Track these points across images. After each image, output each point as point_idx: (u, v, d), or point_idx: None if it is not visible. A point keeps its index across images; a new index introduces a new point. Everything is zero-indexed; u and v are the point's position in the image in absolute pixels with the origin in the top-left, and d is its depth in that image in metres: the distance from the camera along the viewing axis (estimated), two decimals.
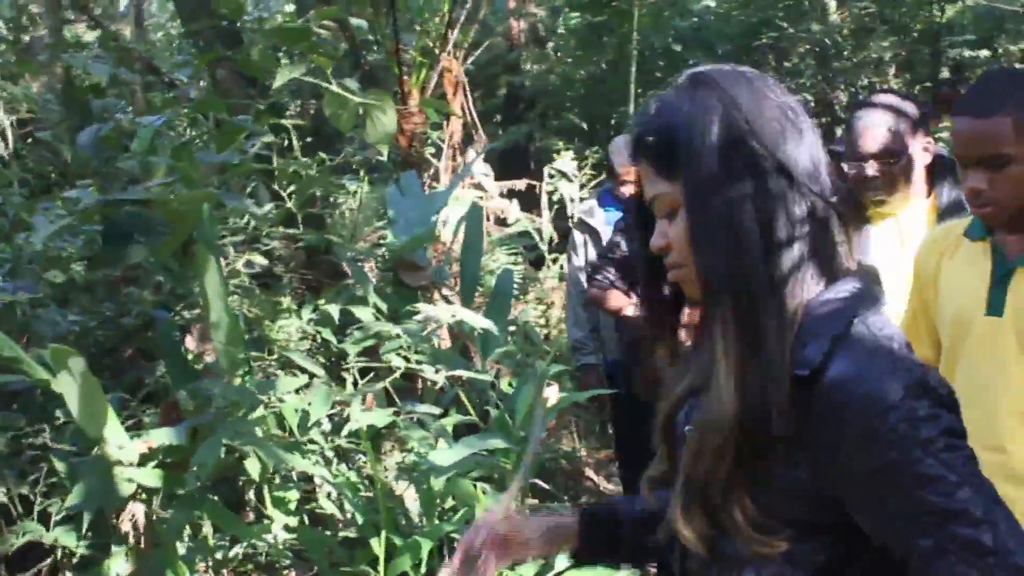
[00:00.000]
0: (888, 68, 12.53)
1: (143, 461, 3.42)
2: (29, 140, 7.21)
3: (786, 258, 1.41)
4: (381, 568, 3.46)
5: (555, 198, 9.56)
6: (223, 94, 5.91)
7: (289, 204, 4.88)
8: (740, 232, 1.39)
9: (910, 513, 1.31)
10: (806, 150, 1.45)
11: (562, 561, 3.15)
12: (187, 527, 3.83)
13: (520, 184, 9.36)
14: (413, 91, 6.28)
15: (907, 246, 3.10)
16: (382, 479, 3.87)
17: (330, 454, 4.12)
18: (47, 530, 3.69)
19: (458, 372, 3.86)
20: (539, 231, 9.18)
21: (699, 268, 1.43)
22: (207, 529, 3.96)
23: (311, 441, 3.82)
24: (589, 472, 6.90)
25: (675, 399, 1.57)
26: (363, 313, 4.10)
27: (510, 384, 4.31)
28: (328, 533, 4.02)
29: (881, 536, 1.37)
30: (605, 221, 5.32)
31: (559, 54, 13.99)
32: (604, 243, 5.06)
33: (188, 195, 3.30)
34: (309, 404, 3.68)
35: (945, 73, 11.93)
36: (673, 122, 1.45)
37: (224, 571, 3.98)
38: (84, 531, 3.59)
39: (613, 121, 12.25)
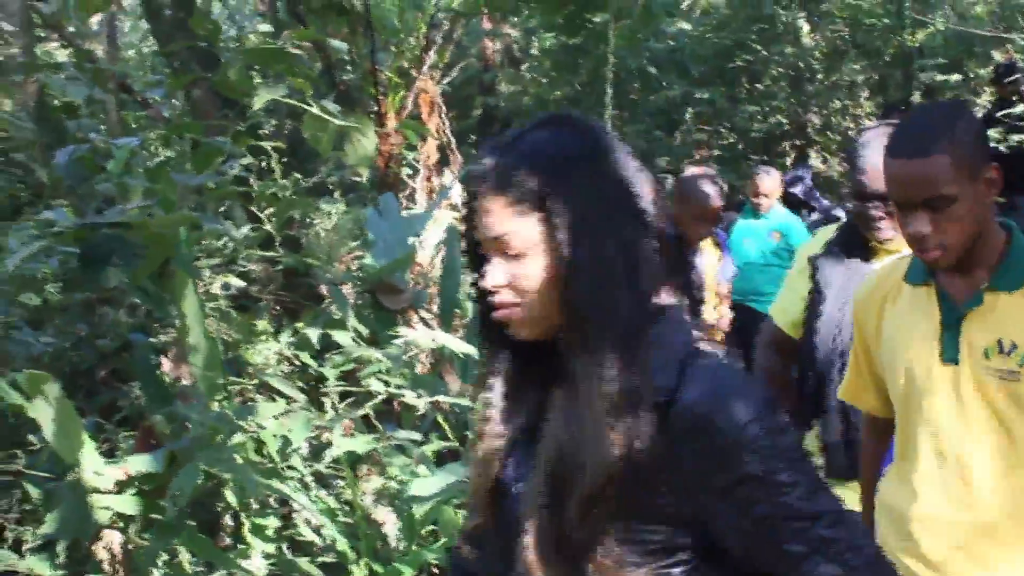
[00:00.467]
0: (860, 91, 12.61)
1: (120, 488, 3.37)
2: None
3: (643, 290, 1.46)
4: None
5: None
6: (199, 114, 5.87)
7: (268, 226, 4.84)
8: (611, 268, 1.42)
9: (776, 519, 1.39)
10: (647, 185, 1.50)
11: None
12: (163, 553, 3.76)
13: None
14: (390, 112, 6.27)
15: None
16: (362, 505, 3.83)
17: (309, 480, 4.07)
18: (20, 557, 3.62)
19: (439, 397, 3.82)
20: None
21: (572, 306, 1.42)
22: (183, 555, 3.90)
23: (290, 467, 3.77)
24: None
25: (498, 450, 1.55)
26: (342, 337, 4.06)
27: None
28: (307, 560, 3.96)
29: (748, 550, 1.43)
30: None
31: (534, 75, 14.01)
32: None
33: (167, 218, 3.26)
34: (289, 430, 3.63)
35: (917, 97, 12.02)
36: (542, 159, 1.44)
37: None
38: (59, 559, 3.52)
39: None
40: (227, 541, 4.21)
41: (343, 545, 3.58)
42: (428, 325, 4.26)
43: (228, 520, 4.15)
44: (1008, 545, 2.18)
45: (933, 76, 11.66)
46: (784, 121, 12.27)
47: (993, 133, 7.18)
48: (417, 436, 3.87)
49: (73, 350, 4.97)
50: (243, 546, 3.90)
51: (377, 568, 3.48)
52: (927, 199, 2.07)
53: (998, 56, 10.72)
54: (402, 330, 3.81)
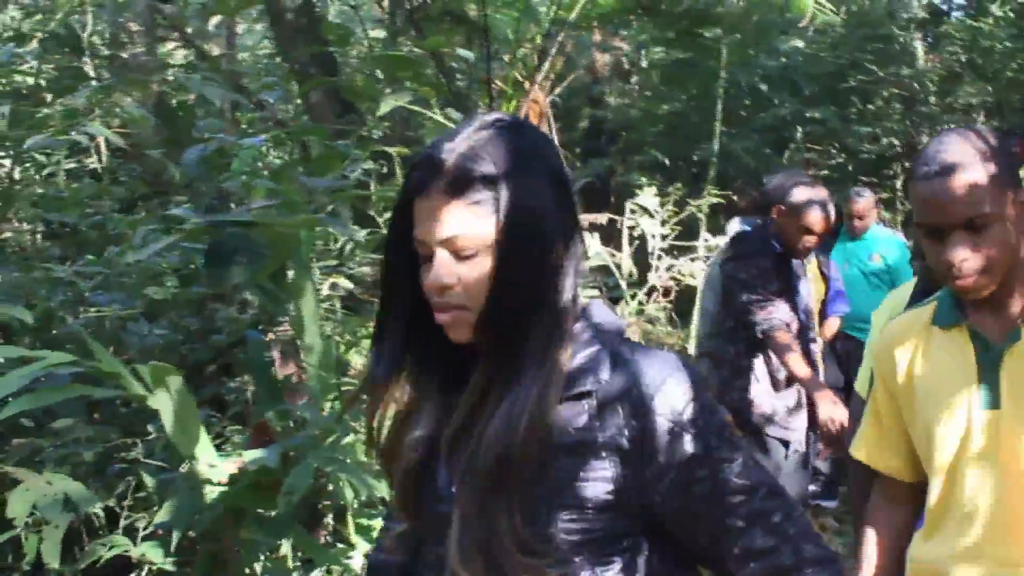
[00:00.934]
0: (976, 114, 12.35)
1: (232, 481, 3.42)
2: (116, 155, 7.33)
3: (573, 282, 1.49)
4: None
5: (635, 234, 9.52)
6: (316, 118, 5.97)
7: (384, 230, 4.90)
8: (556, 265, 1.45)
9: (717, 495, 1.44)
10: (570, 195, 1.52)
11: None
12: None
13: (601, 218, 9.35)
14: None
15: None
16: None
17: None
18: (133, 544, 3.70)
19: None
20: (618, 266, 9.15)
21: (513, 304, 1.43)
22: (285, 550, 3.95)
23: None
24: None
25: (422, 451, 1.53)
26: None
27: None
28: None
29: (690, 528, 1.47)
30: None
31: (642, 89, 13.98)
32: None
33: (294, 220, 3.31)
34: None
35: None
36: (496, 159, 1.43)
37: None
38: (173, 547, 3.59)
39: (696, 158, 12.20)
40: (327, 539, 4.27)
41: None
42: None
43: (329, 519, 4.20)
44: None
45: None
46: (896, 143, 12.05)
47: None
48: None
49: (184, 344, 5.08)
50: (343, 545, 3.95)
51: None
52: (967, 219, 1.96)
53: None
54: None
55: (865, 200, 6.82)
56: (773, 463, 4.44)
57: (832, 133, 12.17)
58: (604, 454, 1.42)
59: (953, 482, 2.09)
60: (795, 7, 8.09)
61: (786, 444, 4.49)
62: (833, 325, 5.68)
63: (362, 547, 3.88)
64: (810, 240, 4.39)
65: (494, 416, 1.42)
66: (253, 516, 3.61)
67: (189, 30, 9.83)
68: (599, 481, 1.42)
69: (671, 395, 1.42)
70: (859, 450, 2.38)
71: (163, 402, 3.23)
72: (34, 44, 5.99)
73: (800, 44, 12.51)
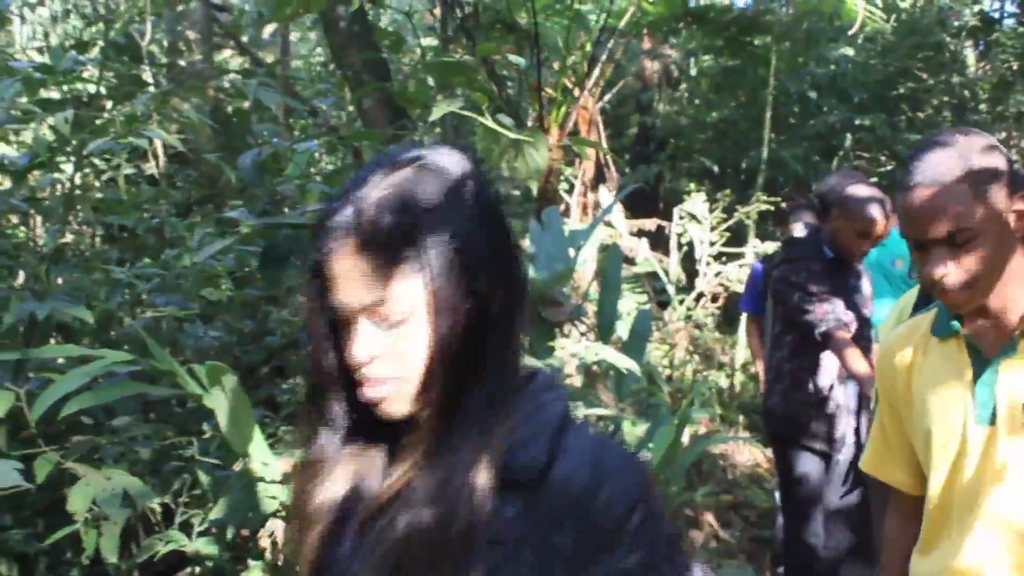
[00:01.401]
0: None
1: (285, 479, 3.49)
2: (173, 160, 7.46)
3: (517, 342, 1.30)
4: None
5: (684, 240, 9.54)
6: (369, 123, 6.05)
7: None
8: (497, 323, 1.26)
9: None
10: (510, 238, 1.31)
11: None
12: None
13: (650, 224, 9.38)
14: (552, 128, 6.34)
15: None
16: None
17: None
18: (188, 539, 3.78)
19: (594, 411, 3.86)
20: (667, 272, 9.17)
21: (450, 373, 1.23)
22: None
23: None
24: (709, 518, 6.83)
25: (332, 522, 1.34)
26: None
27: (633, 423, 4.29)
28: None
29: None
30: None
31: (691, 96, 13.98)
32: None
33: None
34: None
35: None
36: (419, 209, 1.22)
37: None
38: (228, 544, 3.66)
39: (744, 165, 12.19)
40: None
41: None
42: (585, 339, 4.30)
43: None
44: None
45: None
46: None
47: None
48: None
49: (239, 345, 5.16)
50: None
51: None
52: (948, 234, 1.86)
53: None
54: (561, 342, 3.86)
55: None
56: (808, 473, 4.43)
57: (881, 141, 12.10)
58: (529, 547, 1.23)
59: (948, 498, 2.03)
60: (845, 15, 8.07)
61: (825, 456, 4.46)
62: None
63: None
64: (866, 242, 4.35)
65: (417, 497, 1.23)
66: None
67: (244, 38, 9.98)
68: (520, 574, 1.23)
69: (613, 497, 1.23)
70: (866, 462, 2.32)
71: (218, 401, 3.29)
72: (95, 52, 6.12)
73: (850, 52, 12.44)
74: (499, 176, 7.14)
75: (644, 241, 9.20)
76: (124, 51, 6.29)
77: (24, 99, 4.43)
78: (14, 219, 5.29)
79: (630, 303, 8.01)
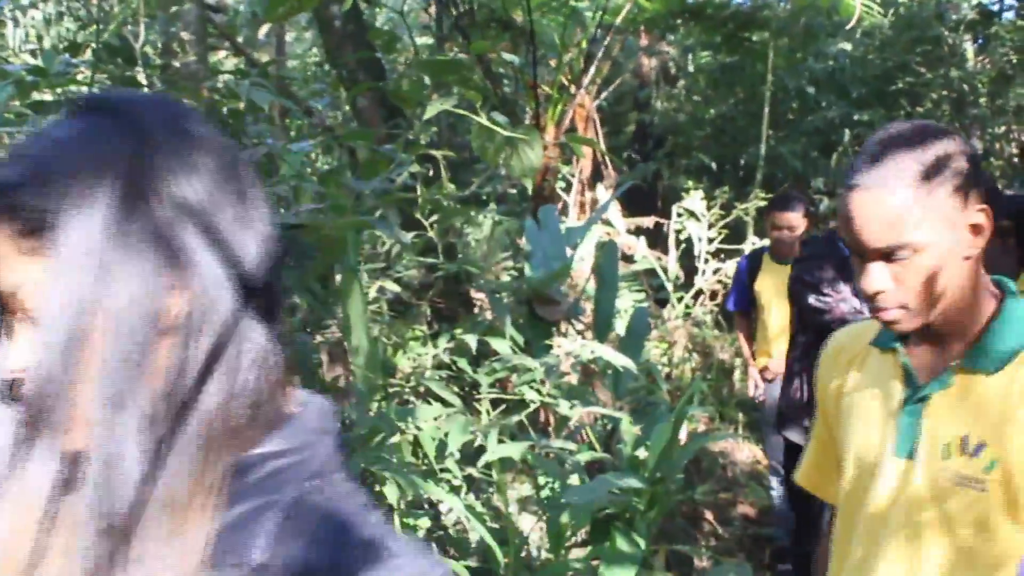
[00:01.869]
0: None
1: None
2: None
3: (238, 395, 0.94)
4: None
5: (682, 237, 9.53)
6: (364, 123, 6.03)
7: (431, 233, 4.95)
8: (183, 355, 0.90)
9: None
10: (256, 234, 0.96)
11: None
12: None
13: (648, 222, 9.37)
14: (549, 126, 6.32)
15: None
16: (509, 511, 3.88)
17: (458, 483, 4.15)
18: None
19: (592, 409, 3.85)
20: (665, 270, 9.15)
21: (103, 409, 0.87)
22: None
23: (443, 470, 3.85)
24: (708, 515, 6.82)
25: None
26: (500, 345, 4.12)
27: (630, 422, 4.28)
28: (456, 562, 4.04)
29: None
30: None
31: (689, 93, 13.97)
32: None
33: (342, 222, 3.36)
34: (446, 434, 3.71)
35: None
36: (63, 169, 0.88)
37: None
38: None
39: (743, 162, 12.18)
40: None
41: (495, 549, 3.63)
42: (582, 337, 4.29)
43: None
44: None
45: None
46: None
47: None
48: (572, 445, 3.90)
49: None
50: None
51: (523, 575, 3.52)
52: (886, 247, 1.63)
53: None
54: (557, 340, 3.85)
55: None
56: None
57: None
58: None
59: (852, 522, 1.86)
60: (843, 10, 8.04)
61: None
62: None
63: None
64: None
65: None
66: None
67: (239, 39, 9.96)
68: None
69: None
70: (802, 476, 2.13)
71: None
72: (88, 54, 6.10)
73: (848, 47, 12.43)
74: (495, 174, 7.13)
75: (642, 239, 9.18)
76: (118, 53, 6.26)
77: (17, 102, 4.41)
78: None
79: (628, 301, 8.00)
